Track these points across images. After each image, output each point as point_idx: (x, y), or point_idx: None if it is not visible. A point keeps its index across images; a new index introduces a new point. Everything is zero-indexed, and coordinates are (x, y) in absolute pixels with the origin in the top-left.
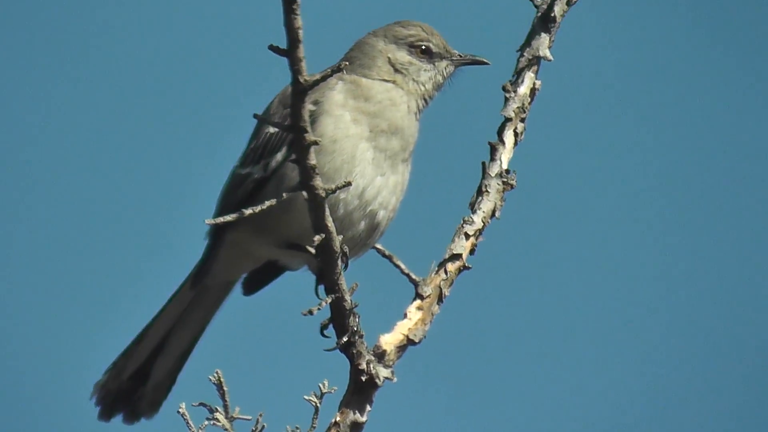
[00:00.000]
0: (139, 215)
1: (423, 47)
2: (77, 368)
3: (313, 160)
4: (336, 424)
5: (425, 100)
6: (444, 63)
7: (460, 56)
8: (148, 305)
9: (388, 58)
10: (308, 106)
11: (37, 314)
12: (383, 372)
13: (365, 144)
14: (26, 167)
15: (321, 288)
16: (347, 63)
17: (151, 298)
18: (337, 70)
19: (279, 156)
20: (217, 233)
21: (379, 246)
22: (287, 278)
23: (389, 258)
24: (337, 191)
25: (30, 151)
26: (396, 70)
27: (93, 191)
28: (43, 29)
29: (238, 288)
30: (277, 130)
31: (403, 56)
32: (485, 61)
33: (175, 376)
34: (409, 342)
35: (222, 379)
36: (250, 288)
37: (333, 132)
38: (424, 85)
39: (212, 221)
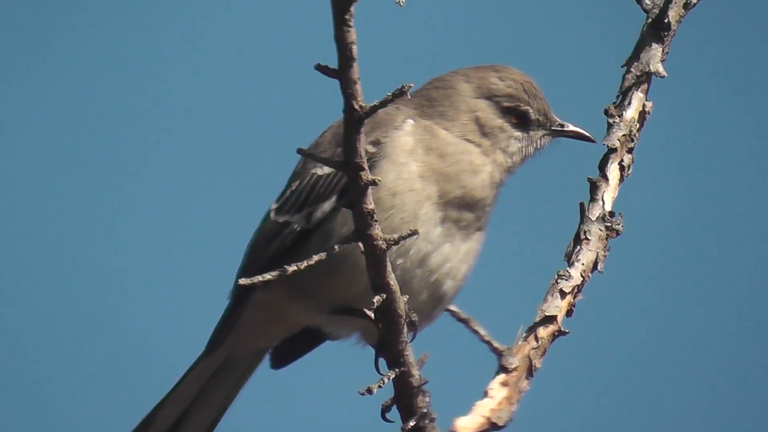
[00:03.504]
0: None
1: (520, 111)
2: None
3: (371, 204)
4: None
5: (510, 172)
6: (540, 133)
7: (561, 126)
8: (158, 380)
9: (477, 116)
10: (364, 141)
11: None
12: None
13: (431, 205)
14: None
15: (382, 361)
16: (411, 85)
17: (161, 370)
18: (399, 94)
19: (327, 205)
20: (242, 292)
21: (453, 308)
22: (329, 348)
23: (466, 322)
24: (401, 242)
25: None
26: (483, 133)
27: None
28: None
29: (265, 361)
30: (327, 172)
31: (494, 119)
32: (591, 137)
33: None
34: (491, 426)
35: None
36: (280, 360)
37: (393, 182)
38: (512, 157)
39: (248, 281)
